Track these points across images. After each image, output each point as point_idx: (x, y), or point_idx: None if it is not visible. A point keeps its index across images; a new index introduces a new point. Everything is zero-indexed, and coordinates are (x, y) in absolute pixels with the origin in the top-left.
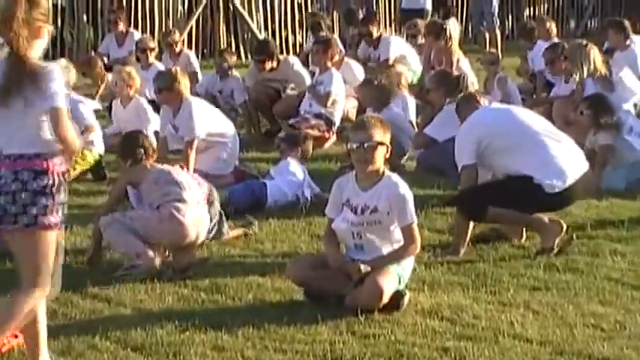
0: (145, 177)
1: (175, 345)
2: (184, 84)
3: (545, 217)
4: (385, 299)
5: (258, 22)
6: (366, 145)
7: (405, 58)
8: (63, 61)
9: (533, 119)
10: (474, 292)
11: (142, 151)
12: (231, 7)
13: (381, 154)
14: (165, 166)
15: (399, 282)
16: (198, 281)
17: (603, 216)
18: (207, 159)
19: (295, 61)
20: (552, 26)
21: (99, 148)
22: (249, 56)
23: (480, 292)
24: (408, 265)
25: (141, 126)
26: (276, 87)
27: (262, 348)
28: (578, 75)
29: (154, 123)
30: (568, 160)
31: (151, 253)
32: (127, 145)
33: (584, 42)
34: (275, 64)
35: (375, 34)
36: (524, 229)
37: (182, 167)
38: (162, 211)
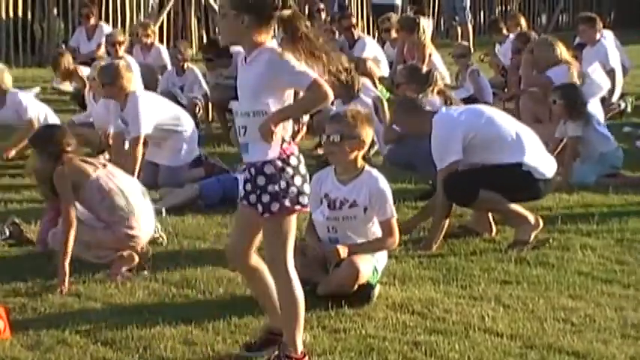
0: (85, 181)
1: (146, 339)
2: (128, 78)
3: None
4: (361, 280)
5: None
6: (332, 137)
7: (377, 60)
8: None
9: (501, 115)
10: (445, 286)
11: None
12: (202, 0)
13: (350, 148)
14: (100, 172)
15: (374, 273)
16: (168, 275)
17: (574, 210)
18: (165, 151)
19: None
20: (523, 21)
21: None
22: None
23: (450, 286)
24: (382, 258)
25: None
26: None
27: (232, 342)
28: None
29: None
30: (545, 152)
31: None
32: (48, 138)
33: (548, 37)
34: (228, 60)
35: (355, 35)
36: (492, 223)
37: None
38: (116, 233)
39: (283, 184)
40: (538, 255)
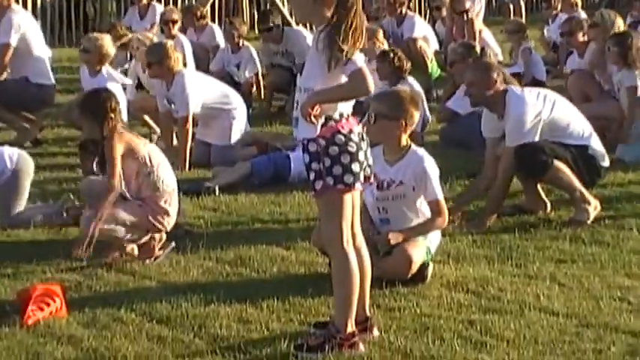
0: (136, 153)
1: (200, 317)
2: (175, 59)
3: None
4: (414, 269)
5: None
6: (368, 116)
7: (427, 39)
8: None
9: (566, 102)
10: (500, 264)
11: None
12: None
13: (386, 128)
14: (149, 146)
15: (427, 254)
16: (222, 254)
17: (629, 188)
18: (215, 130)
19: (298, 32)
20: None
21: None
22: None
23: (505, 265)
24: (435, 237)
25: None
26: (287, 65)
27: (287, 320)
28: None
29: None
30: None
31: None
32: (95, 102)
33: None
34: (279, 34)
35: (399, 9)
36: (547, 201)
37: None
38: (154, 209)
39: (328, 162)
40: (593, 233)
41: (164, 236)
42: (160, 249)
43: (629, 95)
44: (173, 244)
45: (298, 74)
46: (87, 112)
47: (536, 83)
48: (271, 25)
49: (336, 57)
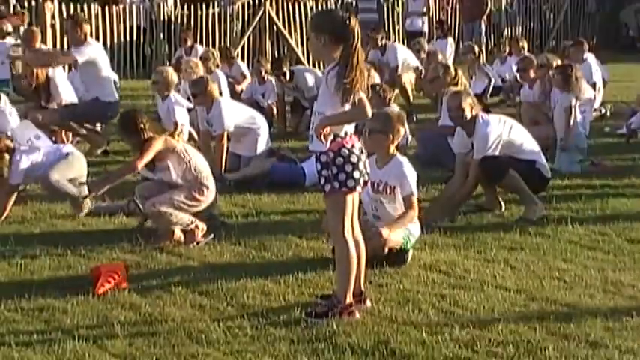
0: (174, 149)
1: (232, 290)
2: (213, 88)
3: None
4: (389, 244)
5: (295, 40)
6: (364, 131)
7: (407, 61)
8: None
9: (520, 127)
10: (465, 250)
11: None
12: (275, 28)
13: (378, 140)
14: (176, 144)
15: (407, 240)
16: (249, 241)
17: (565, 191)
18: (244, 144)
19: (304, 71)
20: (524, 44)
21: None
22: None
23: (469, 251)
24: (415, 229)
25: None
26: (296, 96)
27: (299, 293)
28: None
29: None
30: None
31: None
32: (127, 119)
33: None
34: (290, 76)
35: (381, 42)
36: (501, 202)
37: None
38: (198, 189)
39: (335, 170)
40: (537, 227)
41: (205, 227)
42: (202, 236)
43: (566, 116)
44: (212, 235)
45: (308, 103)
46: (122, 130)
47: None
48: (284, 70)
49: (345, 93)
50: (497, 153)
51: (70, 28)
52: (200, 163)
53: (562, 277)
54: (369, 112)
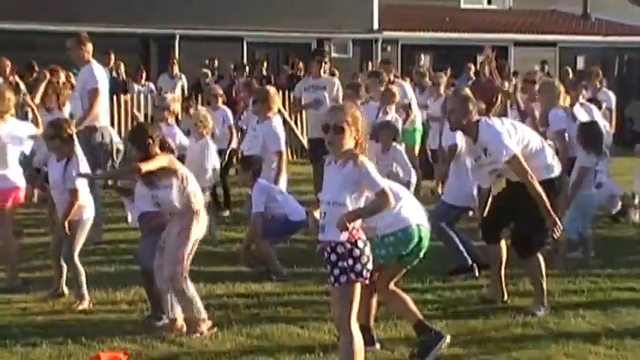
0: (177, 170)
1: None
2: (276, 101)
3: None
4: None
5: (301, 129)
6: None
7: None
8: None
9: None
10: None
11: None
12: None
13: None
14: (180, 166)
15: (416, 230)
16: (250, 330)
17: (567, 286)
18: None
19: None
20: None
21: None
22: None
23: (470, 347)
24: (423, 218)
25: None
26: None
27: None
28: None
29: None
30: None
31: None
32: (140, 130)
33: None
34: None
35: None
36: (505, 292)
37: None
38: (193, 215)
39: (351, 261)
40: (540, 320)
41: (211, 324)
42: (207, 330)
43: (580, 173)
44: (215, 329)
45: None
46: (131, 138)
47: None
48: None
49: (369, 183)
50: (519, 148)
51: (74, 47)
52: (197, 192)
53: None
54: (392, 201)
